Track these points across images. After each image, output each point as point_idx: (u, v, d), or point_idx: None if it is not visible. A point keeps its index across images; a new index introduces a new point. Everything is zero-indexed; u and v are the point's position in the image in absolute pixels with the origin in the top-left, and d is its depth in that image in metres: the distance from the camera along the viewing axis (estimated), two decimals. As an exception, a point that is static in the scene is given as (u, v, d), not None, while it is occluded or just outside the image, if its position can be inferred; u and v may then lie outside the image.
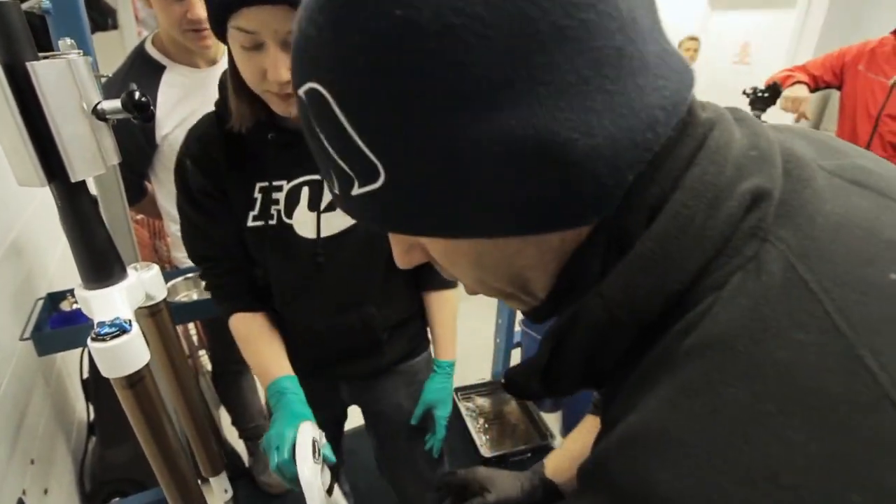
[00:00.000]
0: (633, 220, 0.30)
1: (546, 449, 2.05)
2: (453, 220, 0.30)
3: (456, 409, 2.23)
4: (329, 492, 0.71)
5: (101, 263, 0.57)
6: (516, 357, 2.23)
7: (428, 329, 1.11)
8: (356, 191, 0.32)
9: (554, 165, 0.28)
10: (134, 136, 1.25)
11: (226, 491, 0.92)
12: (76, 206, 0.55)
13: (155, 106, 1.26)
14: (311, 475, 0.65)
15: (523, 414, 2.19)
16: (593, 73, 0.27)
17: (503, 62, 0.27)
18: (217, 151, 0.84)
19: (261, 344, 0.94)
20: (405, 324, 1.04)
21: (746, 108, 1.24)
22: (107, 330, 0.55)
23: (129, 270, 0.62)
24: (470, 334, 2.70)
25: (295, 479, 0.85)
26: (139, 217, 1.76)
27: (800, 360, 0.24)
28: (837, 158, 0.32)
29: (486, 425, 2.18)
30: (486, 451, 1.98)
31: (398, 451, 1.14)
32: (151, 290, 0.68)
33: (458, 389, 2.27)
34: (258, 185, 0.86)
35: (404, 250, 0.37)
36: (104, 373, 0.56)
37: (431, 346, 1.12)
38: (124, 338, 0.55)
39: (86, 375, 1.58)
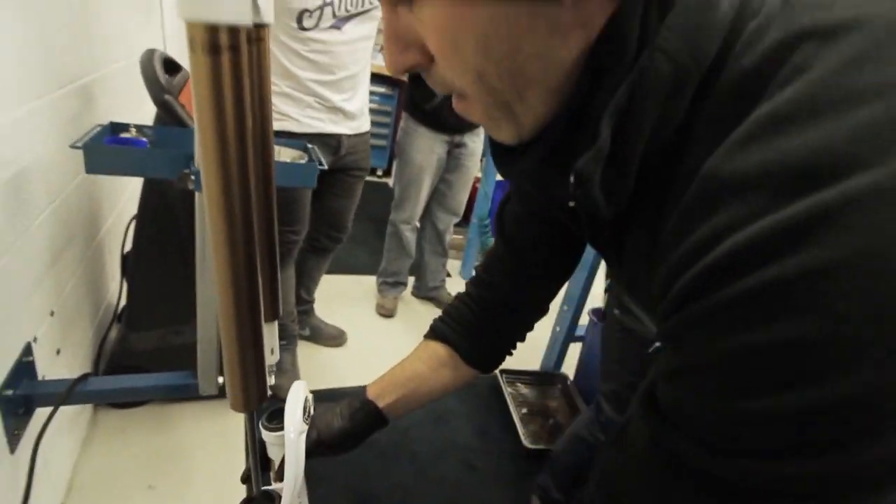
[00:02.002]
0: None
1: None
2: None
3: (499, 392, 1.96)
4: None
5: None
6: (573, 351, 1.95)
7: None
8: None
9: None
10: None
11: (272, 351, 0.68)
12: None
13: None
14: (297, 436, 0.56)
15: (570, 411, 1.90)
16: None
17: None
18: None
19: None
20: None
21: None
22: (204, -67, 0.33)
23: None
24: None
25: None
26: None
27: None
28: None
29: (528, 416, 1.90)
30: (527, 443, 1.70)
31: None
32: (259, -4, 0.46)
33: (503, 371, 2.00)
34: None
35: (401, 50, 0.33)
36: (182, 11, 0.34)
37: None
38: (227, -48, 0.33)
39: (128, 249, 1.39)
